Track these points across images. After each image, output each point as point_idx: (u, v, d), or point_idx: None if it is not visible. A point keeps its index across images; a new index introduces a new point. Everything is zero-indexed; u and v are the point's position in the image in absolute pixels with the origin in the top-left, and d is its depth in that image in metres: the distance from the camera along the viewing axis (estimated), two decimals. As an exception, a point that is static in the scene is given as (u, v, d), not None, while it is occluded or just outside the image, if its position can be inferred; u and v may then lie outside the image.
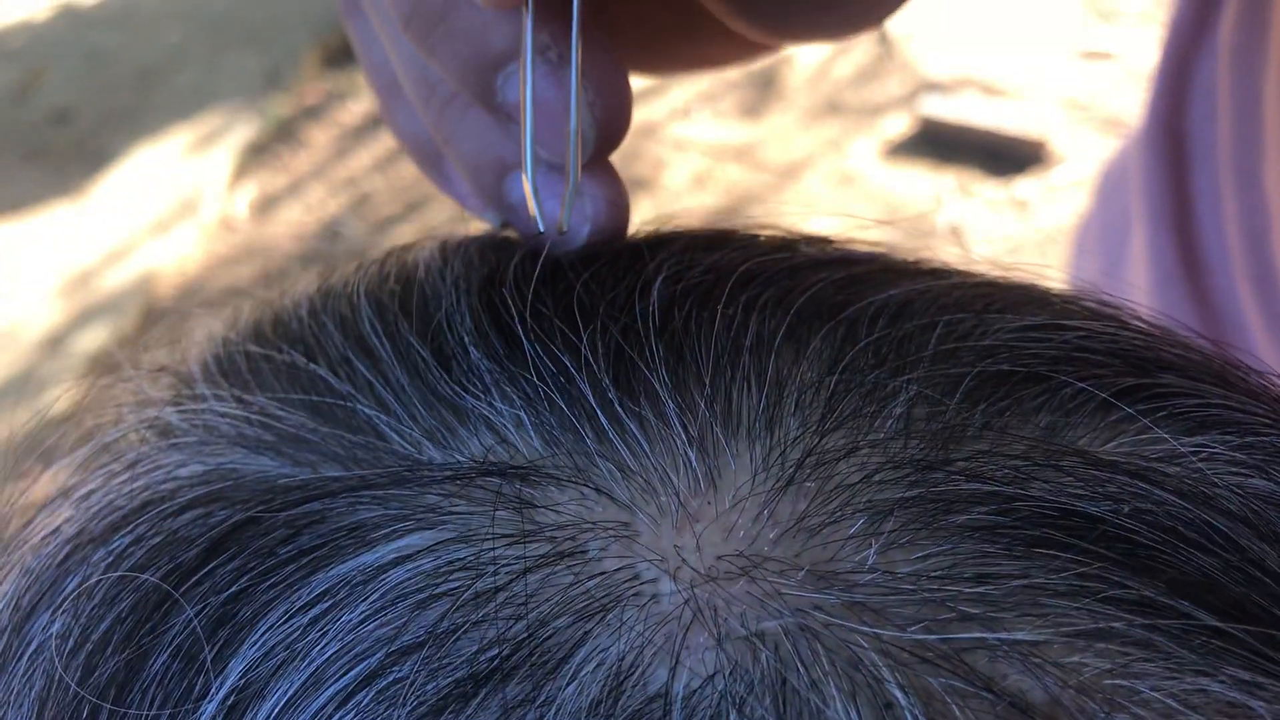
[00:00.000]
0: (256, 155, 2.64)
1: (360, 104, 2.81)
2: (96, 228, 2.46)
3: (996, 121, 2.34)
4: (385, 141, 2.65)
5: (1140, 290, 0.50)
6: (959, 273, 0.22)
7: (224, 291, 2.29)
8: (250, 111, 2.76)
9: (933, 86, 2.52)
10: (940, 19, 2.78)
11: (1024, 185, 2.22)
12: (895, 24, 2.77)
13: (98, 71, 3.02)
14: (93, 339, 2.18)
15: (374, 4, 0.27)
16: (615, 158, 0.25)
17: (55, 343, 2.21)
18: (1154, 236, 0.50)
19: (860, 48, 2.74)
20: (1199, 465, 0.17)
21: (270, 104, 2.81)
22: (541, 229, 0.22)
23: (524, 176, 0.22)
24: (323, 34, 3.05)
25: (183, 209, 2.48)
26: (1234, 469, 0.17)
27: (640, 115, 2.54)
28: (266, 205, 2.51)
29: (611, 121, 0.23)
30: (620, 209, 0.23)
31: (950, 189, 2.24)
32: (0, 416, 2.07)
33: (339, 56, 3.03)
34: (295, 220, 2.45)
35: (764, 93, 2.63)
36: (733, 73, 2.69)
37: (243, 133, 2.69)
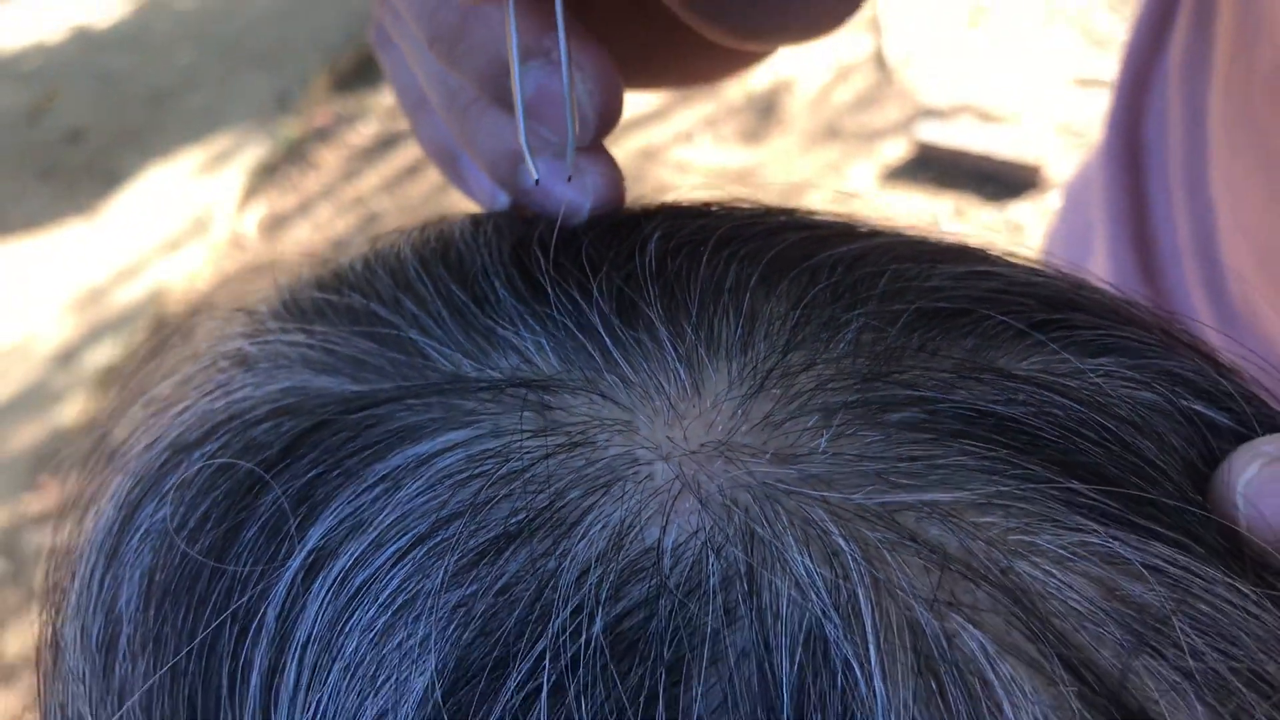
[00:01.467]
0: (267, 176, 2.69)
1: (369, 126, 2.87)
2: (108, 245, 2.51)
3: (992, 147, 2.39)
4: (393, 163, 2.70)
5: None
6: (905, 233, 0.26)
7: (232, 308, 2.34)
8: (261, 133, 2.82)
9: (930, 112, 2.57)
10: (937, 46, 2.84)
11: (1019, 209, 2.26)
12: (893, 51, 2.82)
13: (110, 93, 3.07)
14: (103, 353, 2.23)
15: (402, 32, 0.31)
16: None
17: (66, 357, 2.25)
18: (1114, 242, 0.54)
19: (859, 74, 2.79)
20: (1096, 380, 0.21)
21: (281, 126, 2.87)
22: (536, 181, 0.27)
23: (519, 135, 0.26)
24: (332, 58, 3.11)
25: (194, 228, 2.53)
26: (1125, 384, 0.21)
27: (643, 139, 2.59)
28: (276, 224, 2.56)
29: (606, 107, 0.27)
30: (616, 183, 0.27)
31: (947, 213, 2.28)
32: (13, 427, 2.11)
33: (348, 80, 3.09)
34: (304, 239, 2.50)
35: (765, 118, 2.68)
36: (734, 98, 2.74)
37: (253, 153, 2.75)
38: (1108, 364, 0.22)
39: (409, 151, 2.76)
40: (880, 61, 2.84)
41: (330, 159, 2.77)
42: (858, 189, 2.38)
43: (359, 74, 3.13)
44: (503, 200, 0.30)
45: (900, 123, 2.58)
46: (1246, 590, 0.18)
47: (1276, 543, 0.19)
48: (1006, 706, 0.17)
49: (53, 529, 0.25)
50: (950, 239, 0.26)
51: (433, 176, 2.58)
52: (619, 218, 0.27)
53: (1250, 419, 0.22)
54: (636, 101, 2.63)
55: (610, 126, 0.28)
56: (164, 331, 0.26)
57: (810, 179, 2.46)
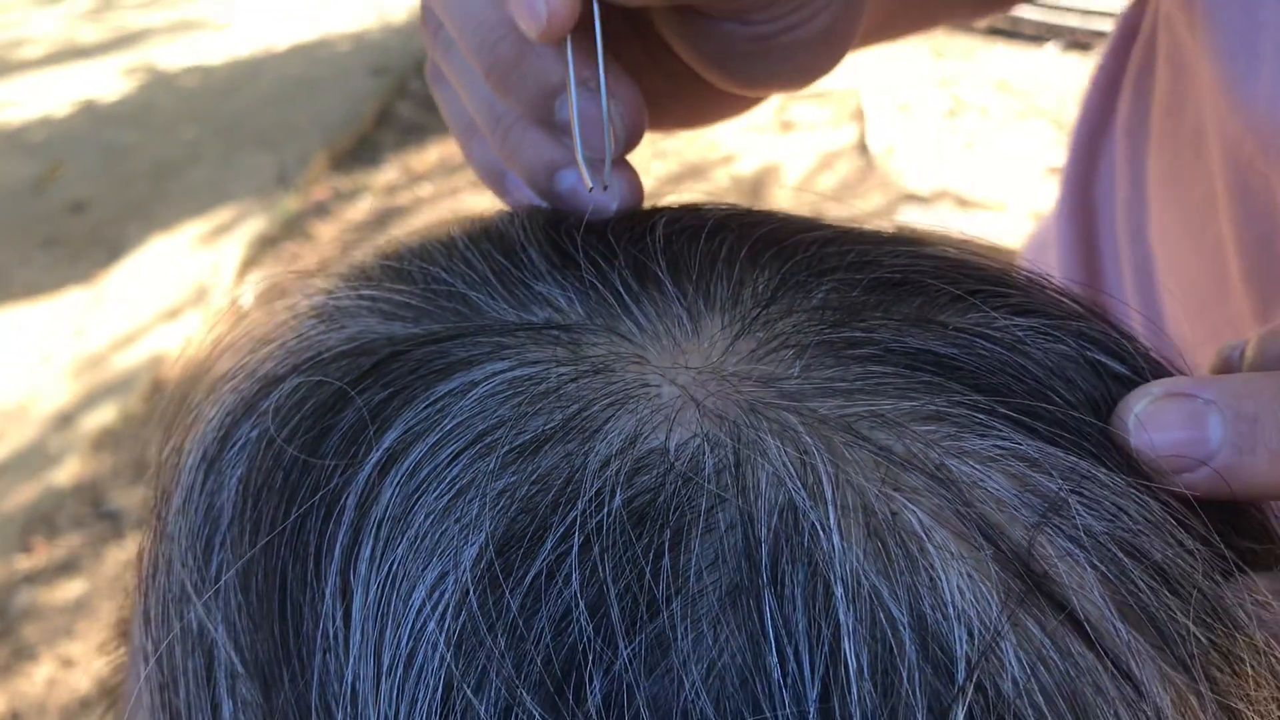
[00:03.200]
0: (266, 248, 2.76)
1: (365, 202, 2.94)
2: (108, 312, 2.56)
3: (971, 232, 2.46)
4: (387, 237, 2.77)
5: None
6: (865, 227, 0.32)
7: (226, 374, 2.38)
8: (260, 207, 2.88)
9: (911, 198, 2.66)
10: (919, 136, 2.94)
11: (996, 291, 2.34)
12: (876, 140, 2.92)
13: (115, 166, 3.15)
14: (101, 417, 2.26)
15: (454, 67, 0.37)
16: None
17: (64, 419, 2.28)
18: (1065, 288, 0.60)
19: (843, 161, 2.89)
20: (1018, 333, 0.26)
21: (280, 201, 2.94)
22: (590, 189, 0.32)
23: (576, 153, 0.31)
24: (332, 138, 3.20)
25: (193, 296, 2.58)
26: (1042, 337, 0.26)
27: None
28: (273, 294, 2.61)
29: (634, 127, 0.33)
30: (638, 190, 0.33)
31: (926, 293, 2.36)
32: (8, 487, 2.14)
33: (346, 160, 3.17)
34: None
35: (752, 201, 2.76)
36: (721, 181, 2.82)
37: (253, 226, 2.81)
38: (1029, 322, 0.27)
39: (403, 227, 2.83)
40: (864, 149, 2.94)
41: (327, 233, 2.83)
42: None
43: (356, 154, 3.21)
44: (542, 206, 0.36)
45: (883, 208, 2.67)
46: (1129, 483, 0.23)
47: (1156, 461, 0.25)
48: (938, 564, 0.21)
49: (157, 447, 0.29)
50: (903, 229, 0.31)
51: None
52: (634, 211, 0.33)
53: (1145, 370, 0.27)
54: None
55: (635, 142, 0.33)
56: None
57: (795, 259, 2.54)
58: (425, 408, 0.24)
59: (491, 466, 0.23)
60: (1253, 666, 0.22)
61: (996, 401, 0.24)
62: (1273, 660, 0.22)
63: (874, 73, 3.24)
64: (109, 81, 3.63)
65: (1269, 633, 0.22)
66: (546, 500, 0.22)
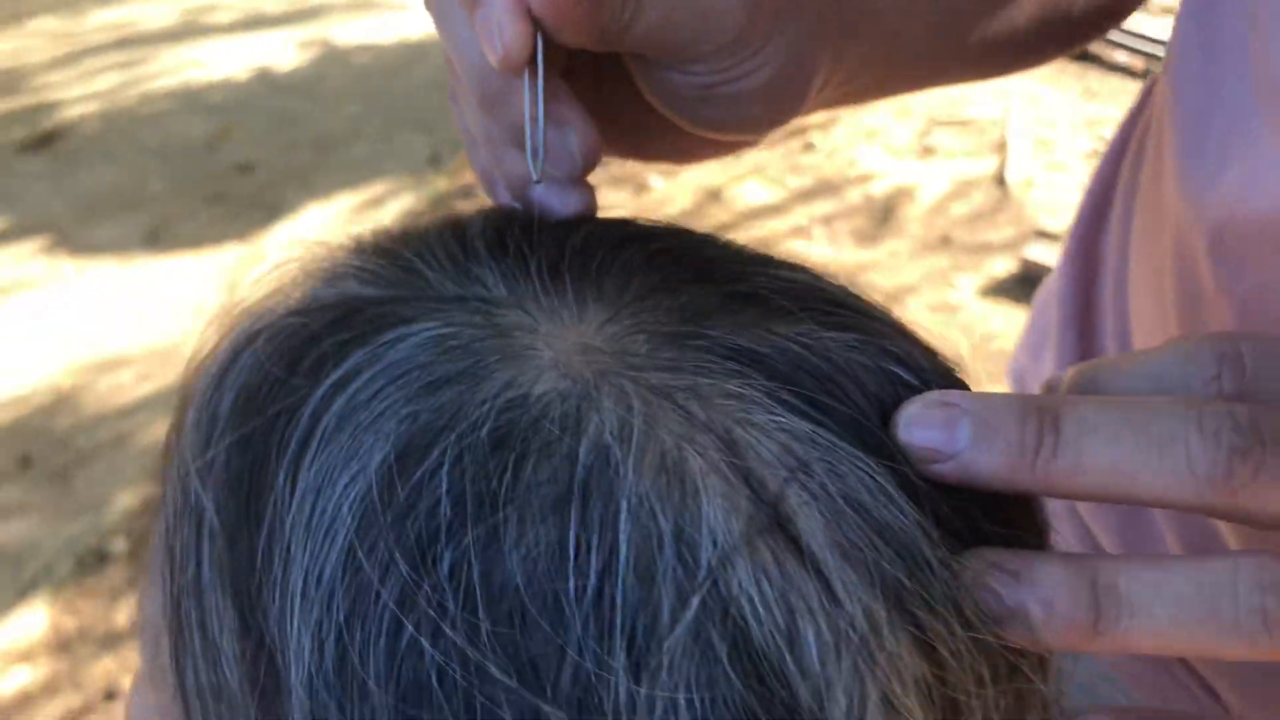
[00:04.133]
0: (413, 222, 2.90)
1: (509, 189, 3.07)
2: (261, 269, 2.73)
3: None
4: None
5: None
6: (748, 249, 0.38)
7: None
8: (412, 185, 3.04)
9: (1042, 234, 2.67)
10: (1058, 175, 2.93)
11: (1116, 335, 2.33)
12: (1014, 173, 2.93)
13: (282, 132, 3.34)
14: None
15: (462, 92, 0.44)
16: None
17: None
18: (1062, 334, 0.64)
19: (978, 191, 2.90)
20: (829, 343, 0.31)
21: (430, 181, 3.10)
22: (538, 204, 0.39)
23: (531, 172, 0.38)
24: (485, 123, 3.34)
25: (339, 262, 2.74)
26: (848, 349, 0.32)
27: (761, 229, 2.74)
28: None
29: (588, 151, 0.39)
30: (590, 205, 0.39)
31: (1044, 330, 2.36)
32: (154, 420, 2.32)
33: (496, 145, 3.31)
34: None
35: (882, 221, 2.80)
36: (854, 199, 2.87)
37: (403, 202, 2.97)
38: (843, 336, 0.32)
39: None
40: (1001, 181, 2.95)
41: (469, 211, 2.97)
42: (959, 299, 2.48)
43: (507, 140, 3.34)
44: (519, 208, 0.42)
45: (1011, 241, 2.68)
46: (876, 461, 0.29)
47: (913, 451, 0.30)
48: (704, 497, 0.27)
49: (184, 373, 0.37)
50: (780, 256, 0.37)
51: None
52: (570, 219, 0.39)
53: (933, 384, 0.32)
54: (758, 193, 2.74)
55: (591, 166, 0.39)
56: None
57: (915, 284, 2.57)
58: (370, 350, 0.32)
59: (406, 396, 0.30)
60: (946, 606, 0.28)
61: (787, 390, 0.30)
62: (967, 602, 0.28)
63: (1020, 106, 3.24)
64: (285, 52, 3.85)
65: (987, 596, 0.29)
66: (438, 424, 0.29)
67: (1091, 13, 0.56)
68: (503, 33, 0.36)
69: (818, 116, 3.16)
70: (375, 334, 0.32)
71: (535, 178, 0.39)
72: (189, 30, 4.11)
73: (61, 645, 1.86)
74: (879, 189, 2.89)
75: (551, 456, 0.28)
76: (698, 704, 0.26)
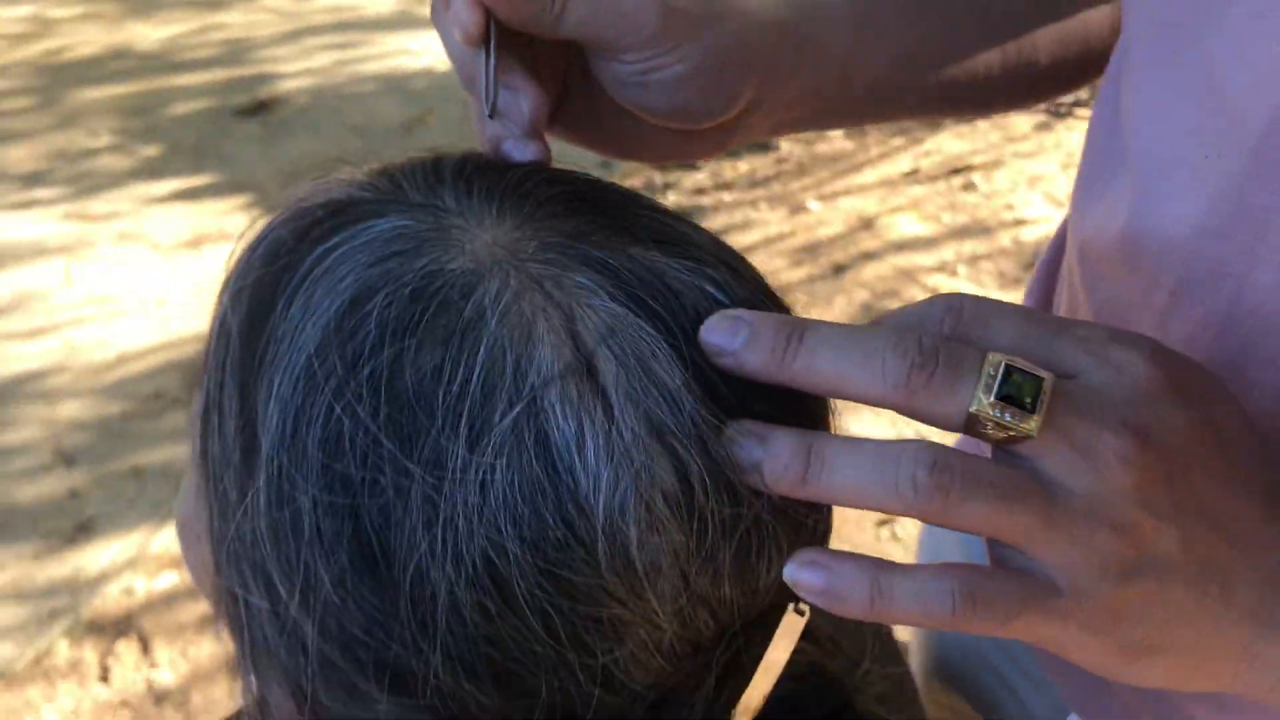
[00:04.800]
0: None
1: (670, 198, 3.23)
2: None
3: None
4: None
5: None
6: (648, 199, 0.47)
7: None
8: (582, 182, 3.22)
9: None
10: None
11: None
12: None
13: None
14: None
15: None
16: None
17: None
18: None
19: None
20: (663, 264, 0.41)
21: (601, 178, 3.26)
22: (501, 149, 0.49)
23: (485, 110, 0.49)
24: (659, 132, 3.50)
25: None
26: (678, 268, 0.41)
27: (906, 260, 2.81)
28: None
29: (535, 112, 0.49)
30: (542, 154, 0.49)
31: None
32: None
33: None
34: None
35: (1028, 265, 2.83)
36: (1005, 241, 2.91)
37: (571, 198, 3.14)
38: (680, 263, 0.42)
39: (704, 225, 3.08)
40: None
41: (633, 217, 3.12)
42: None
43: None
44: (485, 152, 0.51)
45: (1155, 300, 2.67)
46: (668, 342, 0.39)
47: (709, 351, 0.39)
48: (541, 342, 0.38)
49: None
50: (682, 214, 0.47)
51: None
52: (521, 164, 0.48)
53: (743, 304, 0.41)
54: (911, 226, 2.82)
55: (539, 121, 0.50)
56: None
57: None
58: (350, 232, 0.42)
59: (365, 262, 0.41)
60: (696, 443, 0.38)
61: (620, 289, 0.40)
62: (714, 445, 0.38)
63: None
64: (485, 48, 4.08)
65: (735, 448, 0.38)
66: (379, 283, 0.40)
67: (1056, 68, 0.64)
68: (461, 17, 0.47)
69: (983, 157, 3.22)
70: (356, 222, 0.43)
71: (487, 112, 0.49)
72: (403, 20, 4.42)
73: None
74: (1030, 234, 2.92)
75: (447, 310, 0.39)
76: (505, 471, 0.37)
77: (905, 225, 3.00)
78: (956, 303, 0.39)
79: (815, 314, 1.89)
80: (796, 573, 0.37)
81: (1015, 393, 0.35)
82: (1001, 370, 0.35)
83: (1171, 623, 0.37)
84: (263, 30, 4.72)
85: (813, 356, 0.37)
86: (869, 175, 3.30)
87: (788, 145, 3.51)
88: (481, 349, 0.38)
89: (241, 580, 0.41)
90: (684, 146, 0.57)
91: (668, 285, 0.40)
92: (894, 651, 0.57)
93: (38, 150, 3.74)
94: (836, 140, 3.53)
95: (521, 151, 0.49)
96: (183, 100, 4.05)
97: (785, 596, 0.41)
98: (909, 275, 2.75)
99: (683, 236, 0.44)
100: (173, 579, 2.03)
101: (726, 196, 3.25)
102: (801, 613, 0.41)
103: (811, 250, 2.93)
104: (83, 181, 3.51)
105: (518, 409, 0.37)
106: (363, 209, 0.43)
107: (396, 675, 0.39)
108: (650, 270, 0.41)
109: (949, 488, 0.35)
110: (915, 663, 0.84)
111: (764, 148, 3.49)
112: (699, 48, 0.50)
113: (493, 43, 0.48)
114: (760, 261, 0.45)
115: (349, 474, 0.37)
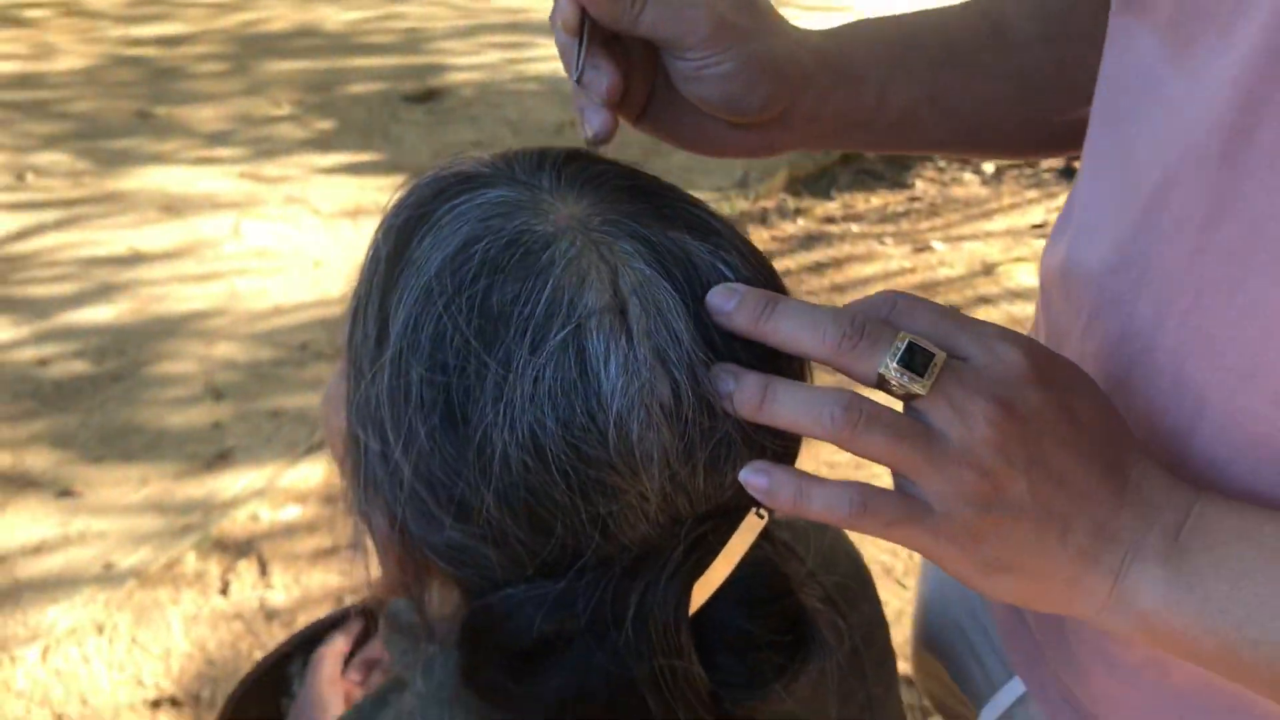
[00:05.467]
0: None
1: (799, 224, 3.32)
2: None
3: None
4: (809, 256, 3.13)
5: None
6: (685, 193, 0.57)
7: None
8: (716, 200, 3.30)
9: None
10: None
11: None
12: None
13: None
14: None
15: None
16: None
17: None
18: None
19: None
20: (689, 245, 0.51)
21: (734, 199, 3.39)
22: (589, 137, 0.61)
23: (575, 94, 0.62)
24: (797, 161, 3.60)
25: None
26: (699, 247, 0.52)
27: (1018, 309, 2.84)
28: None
29: (610, 87, 0.61)
30: (609, 124, 0.61)
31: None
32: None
33: (802, 182, 3.56)
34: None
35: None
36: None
37: (704, 212, 3.26)
38: (702, 243, 0.52)
39: (827, 252, 3.19)
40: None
41: (757, 238, 3.22)
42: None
43: (812, 181, 3.58)
44: (587, 134, 0.62)
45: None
46: (679, 297, 0.50)
47: (710, 310, 0.50)
48: (588, 288, 0.49)
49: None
50: (710, 211, 0.56)
51: (814, 265, 2.93)
52: (598, 160, 0.57)
53: (745, 280, 0.52)
54: (1028, 277, 2.89)
55: (613, 98, 0.61)
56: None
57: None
58: (469, 195, 0.54)
59: (477, 218, 0.52)
60: (688, 371, 0.49)
61: (655, 257, 0.51)
62: (702, 375, 0.49)
63: None
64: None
65: (716, 381, 0.49)
66: (485, 234, 0.51)
67: (1069, 126, 0.73)
68: (564, 11, 0.60)
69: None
70: (476, 190, 0.54)
71: (576, 79, 0.62)
72: (568, 26, 4.60)
73: (328, 497, 2.22)
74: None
75: (529, 258, 0.50)
76: (553, 371, 0.48)
77: (1024, 275, 3.05)
78: (894, 297, 0.50)
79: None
80: (746, 475, 0.50)
81: (912, 362, 0.47)
82: (905, 345, 0.47)
83: (1020, 550, 0.48)
84: (439, 22, 4.98)
85: (779, 320, 0.49)
86: (998, 223, 3.36)
87: (923, 184, 3.58)
88: (548, 287, 0.49)
89: (364, 431, 0.54)
90: (738, 143, 0.69)
91: (690, 260, 0.52)
92: (858, 573, 0.69)
93: (223, 112, 4.05)
94: (972, 185, 3.58)
95: (594, 116, 0.62)
96: (359, 81, 4.33)
97: (750, 502, 0.52)
98: (1020, 325, 2.80)
99: (711, 227, 0.55)
100: (295, 512, 2.17)
101: (854, 227, 3.33)
102: (761, 516, 0.52)
103: (928, 289, 2.99)
104: (260, 145, 3.80)
105: (567, 330, 0.48)
106: (482, 180, 0.55)
107: (461, 507, 0.51)
108: (680, 247, 0.52)
109: (856, 422, 0.46)
110: (909, 634, 0.96)
111: (899, 185, 3.57)
112: (744, 52, 0.62)
113: (585, 31, 0.61)
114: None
115: (447, 361, 0.49)
